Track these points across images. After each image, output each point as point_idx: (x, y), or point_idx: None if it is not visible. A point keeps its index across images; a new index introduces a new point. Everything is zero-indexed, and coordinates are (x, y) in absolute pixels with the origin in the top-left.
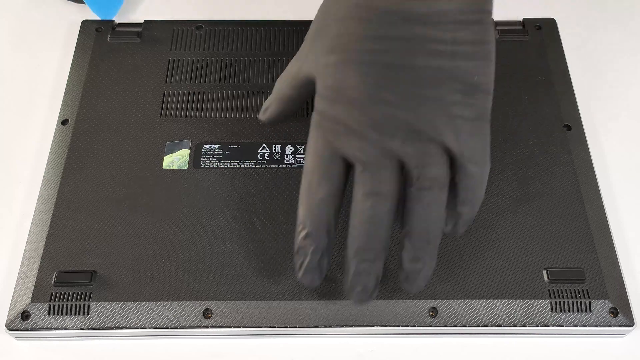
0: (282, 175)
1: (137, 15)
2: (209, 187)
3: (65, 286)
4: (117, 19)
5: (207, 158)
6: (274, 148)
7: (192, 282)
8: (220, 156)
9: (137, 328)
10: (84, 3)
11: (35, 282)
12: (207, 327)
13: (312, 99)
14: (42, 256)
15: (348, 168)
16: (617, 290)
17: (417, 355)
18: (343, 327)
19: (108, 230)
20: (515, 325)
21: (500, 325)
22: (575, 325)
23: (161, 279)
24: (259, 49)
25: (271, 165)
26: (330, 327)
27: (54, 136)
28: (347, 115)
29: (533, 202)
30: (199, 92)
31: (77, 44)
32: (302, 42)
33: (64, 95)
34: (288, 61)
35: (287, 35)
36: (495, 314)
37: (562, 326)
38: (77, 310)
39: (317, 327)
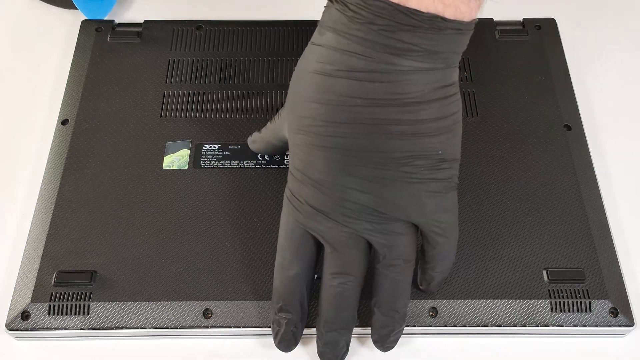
0: (282, 175)
1: (137, 15)
2: (209, 187)
3: (65, 286)
4: (118, 19)
5: (207, 158)
6: None
7: (192, 282)
8: (220, 156)
9: (137, 328)
10: (75, 8)
11: (35, 282)
12: (207, 327)
13: None
14: (42, 256)
15: (319, 244)
16: (617, 290)
17: (417, 355)
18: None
19: (108, 230)
20: (515, 325)
21: (500, 325)
22: (575, 325)
23: (161, 279)
24: (259, 49)
25: (271, 166)
26: None
27: (54, 136)
28: (315, 199)
29: (533, 202)
30: (199, 92)
31: (77, 44)
32: (302, 42)
33: (64, 95)
34: (288, 61)
35: (287, 35)
36: (495, 314)
37: (562, 326)
38: (77, 310)
39: (314, 326)
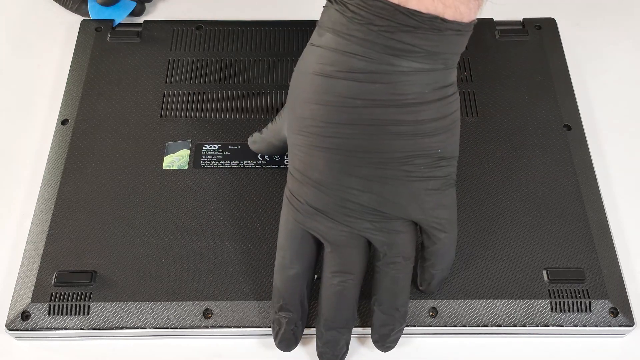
0: (282, 175)
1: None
2: (209, 187)
3: (65, 286)
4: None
5: (207, 158)
6: None
7: (192, 282)
8: (220, 156)
9: (137, 328)
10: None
11: (35, 282)
12: (207, 327)
13: None
14: (42, 256)
15: (319, 243)
16: (617, 290)
17: (417, 355)
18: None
19: (108, 230)
20: (515, 325)
21: (500, 325)
22: (575, 325)
23: (161, 279)
24: (259, 49)
25: (271, 166)
26: None
27: (53, 136)
28: (315, 199)
29: (533, 202)
30: (199, 92)
31: (77, 44)
32: (302, 42)
33: (64, 95)
34: (288, 61)
35: (287, 35)
36: (495, 314)
37: (562, 326)
38: (77, 310)
39: (313, 326)
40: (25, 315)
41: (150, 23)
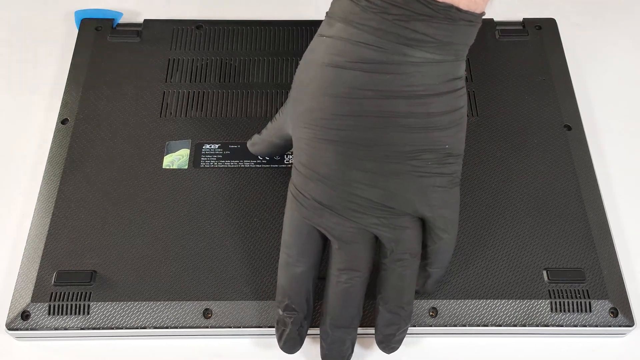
0: (282, 175)
1: (138, 14)
2: (209, 187)
3: (65, 286)
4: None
5: (207, 158)
6: None
7: (192, 282)
8: (220, 156)
9: (137, 328)
10: None
11: (35, 282)
12: (207, 327)
13: None
14: (42, 256)
15: (324, 239)
16: (617, 291)
17: (417, 355)
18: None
19: (108, 230)
20: (515, 325)
21: (500, 325)
22: (575, 325)
23: (161, 279)
24: (259, 49)
25: (271, 165)
26: None
27: (53, 136)
28: (321, 194)
29: (533, 202)
30: (199, 92)
31: (77, 43)
32: (302, 42)
33: (64, 95)
34: (288, 61)
35: (287, 35)
36: (495, 314)
37: (562, 326)
38: (77, 310)
39: (317, 327)
40: (25, 315)
41: (150, 22)
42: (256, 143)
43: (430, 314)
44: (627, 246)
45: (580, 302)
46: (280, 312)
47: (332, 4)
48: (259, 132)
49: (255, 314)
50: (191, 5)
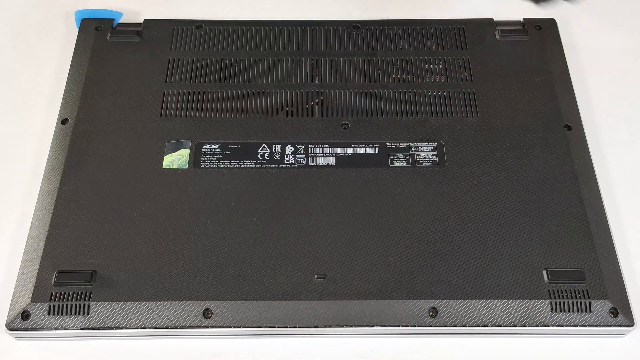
0: (282, 175)
1: (138, 14)
2: (209, 187)
3: (65, 286)
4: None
5: (207, 158)
6: (274, 148)
7: (192, 282)
8: (220, 156)
9: (137, 328)
10: None
11: (35, 282)
12: (207, 327)
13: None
14: (42, 256)
15: None
16: (617, 291)
17: (417, 355)
18: (343, 327)
19: (108, 229)
20: (515, 325)
21: (500, 325)
22: (575, 326)
23: (161, 279)
24: (259, 49)
25: (271, 165)
26: (330, 327)
27: (53, 135)
28: None
29: (533, 202)
30: (199, 92)
31: (77, 43)
32: (302, 42)
33: (64, 95)
34: (288, 61)
35: (287, 35)
36: (495, 314)
37: (562, 326)
38: (77, 310)
39: (317, 327)
40: (25, 315)
41: (150, 22)
42: None
43: (430, 314)
44: (627, 246)
45: (580, 302)
46: None
47: None
48: None
49: (255, 314)
50: (191, 5)
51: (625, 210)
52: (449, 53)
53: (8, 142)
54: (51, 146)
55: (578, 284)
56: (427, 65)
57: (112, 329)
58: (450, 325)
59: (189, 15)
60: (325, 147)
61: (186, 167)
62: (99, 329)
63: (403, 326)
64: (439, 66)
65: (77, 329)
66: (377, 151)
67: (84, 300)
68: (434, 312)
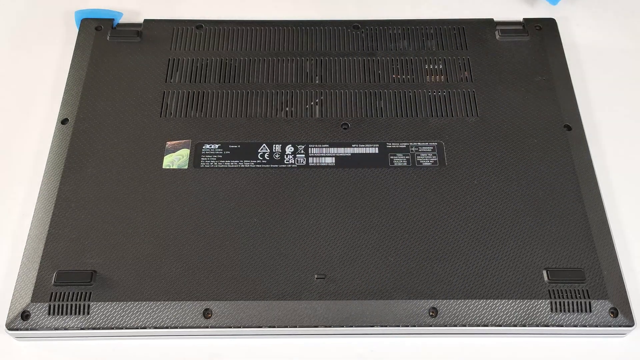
0: (282, 175)
1: (138, 14)
2: (209, 187)
3: (65, 286)
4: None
5: (207, 158)
6: (274, 148)
7: (192, 282)
8: (220, 156)
9: (137, 328)
10: None
11: (35, 282)
12: (207, 327)
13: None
14: (42, 256)
15: None
16: (617, 291)
17: (417, 355)
18: (343, 327)
19: (108, 229)
20: (515, 325)
21: (500, 325)
22: (575, 326)
23: (161, 278)
24: (259, 49)
25: (271, 165)
26: (330, 327)
27: (53, 135)
28: None
29: (533, 202)
30: (199, 92)
31: (77, 43)
32: (302, 42)
33: (64, 95)
34: (288, 61)
35: (287, 35)
36: (495, 314)
37: (562, 326)
38: (77, 310)
39: (317, 327)
40: (25, 315)
41: (150, 22)
42: None
43: (430, 314)
44: (627, 246)
45: (580, 302)
46: None
47: None
48: None
49: (255, 314)
50: (191, 5)
51: (625, 210)
52: (449, 53)
53: (8, 142)
54: (51, 146)
55: (578, 284)
56: (427, 65)
57: (112, 329)
58: (450, 325)
59: (189, 15)
60: (325, 147)
61: (186, 167)
62: (99, 329)
63: (403, 326)
64: (439, 66)
65: (77, 329)
66: (377, 151)
67: (84, 300)
68: (434, 312)
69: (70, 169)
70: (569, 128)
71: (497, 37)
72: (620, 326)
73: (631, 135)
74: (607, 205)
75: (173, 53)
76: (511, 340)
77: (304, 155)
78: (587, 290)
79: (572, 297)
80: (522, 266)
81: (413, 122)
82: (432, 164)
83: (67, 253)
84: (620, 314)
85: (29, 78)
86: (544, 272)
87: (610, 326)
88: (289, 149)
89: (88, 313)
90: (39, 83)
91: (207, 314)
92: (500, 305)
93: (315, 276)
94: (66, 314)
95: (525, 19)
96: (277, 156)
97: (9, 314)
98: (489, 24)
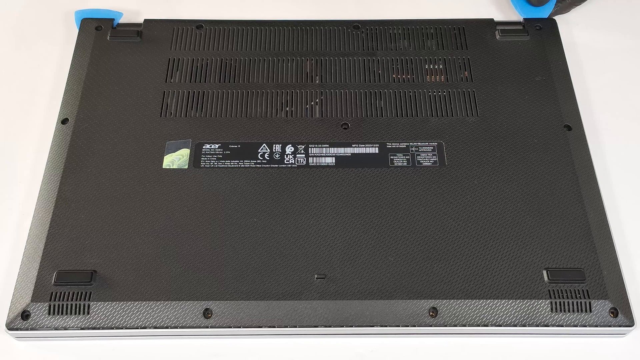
0: (282, 175)
1: (137, 14)
2: (209, 187)
3: (66, 286)
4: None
5: (207, 158)
6: (274, 148)
7: (192, 282)
8: (220, 156)
9: (137, 328)
10: None
11: (35, 282)
12: (207, 327)
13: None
14: (42, 256)
15: None
16: (617, 291)
17: (417, 355)
18: (343, 327)
19: (108, 229)
20: (515, 325)
21: (500, 325)
22: (576, 326)
23: (161, 278)
24: (259, 49)
25: (271, 165)
26: (330, 327)
27: (53, 135)
28: None
29: (533, 202)
30: (199, 92)
31: (77, 43)
32: (302, 42)
33: (64, 95)
34: (288, 61)
35: (287, 35)
36: (495, 314)
37: (562, 326)
38: (77, 310)
39: (317, 327)
40: (25, 315)
41: (151, 22)
42: None
43: (430, 314)
44: (627, 246)
45: (580, 302)
46: None
47: None
48: None
49: (255, 314)
50: (191, 5)
51: (625, 210)
52: (449, 53)
53: (8, 142)
54: (51, 146)
55: (578, 284)
56: (427, 65)
57: (112, 329)
58: (450, 325)
59: (189, 15)
60: (325, 147)
61: (186, 167)
62: (99, 329)
63: (403, 326)
64: (439, 66)
65: (77, 328)
66: (377, 151)
67: (84, 300)
68: (434, 312)
69: (70, 169)
70: (569, 128)
71: (497, 37)
72: (620, 326)
73: (631, 135)
74: (607, 205)
75: (173, 53)
76: (511, 340)
77: (304, 155)
78: (587, 290)
79: (572, 297)
80: (522, 266)
81: (413, 122)
82: (432, 164)
83: (67, 253)
84: (620, 314)
85: (29, 78)
86: (544, 272)
87: (610, 326)
88: (289, 149)
89: (88, 313)
90: (39, 83)
91: (207, 313)
92: (500, 305)
93: (316, 276)
94: (66, 313)
95: (525, 19)
96: (277, 156)
97: (9, 313)
98: (489, 24)
